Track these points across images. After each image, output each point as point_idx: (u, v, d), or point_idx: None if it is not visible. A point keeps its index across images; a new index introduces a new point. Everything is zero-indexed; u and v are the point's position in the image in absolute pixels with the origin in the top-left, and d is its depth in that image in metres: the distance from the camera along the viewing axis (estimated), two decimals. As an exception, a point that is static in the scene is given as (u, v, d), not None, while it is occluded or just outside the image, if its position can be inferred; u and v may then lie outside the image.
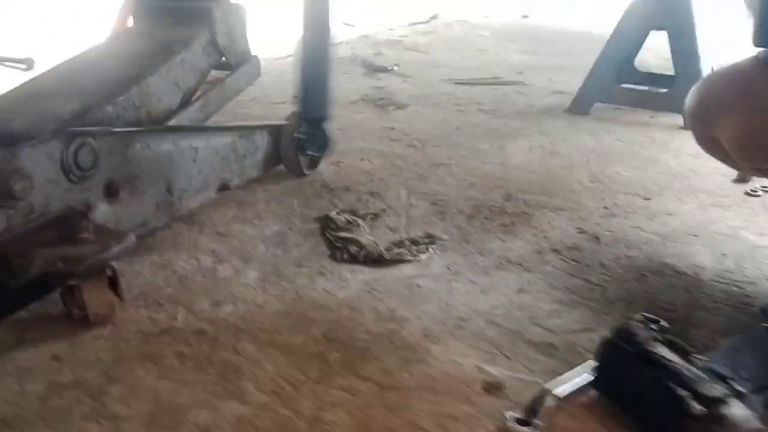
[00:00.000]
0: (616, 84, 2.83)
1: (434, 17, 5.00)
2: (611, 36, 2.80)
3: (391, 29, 4.53)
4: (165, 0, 1.76)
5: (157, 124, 1.59)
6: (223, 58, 1.83)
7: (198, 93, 1.76)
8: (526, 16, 4.87)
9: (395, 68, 3.50)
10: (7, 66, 3.18)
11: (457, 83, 3.29)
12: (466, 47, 4.16)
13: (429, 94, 3.11)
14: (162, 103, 1.60)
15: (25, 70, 3.13)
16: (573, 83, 2.99)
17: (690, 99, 1.40)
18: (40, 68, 3.14)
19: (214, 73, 1.88)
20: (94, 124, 1.39)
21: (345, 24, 4.38)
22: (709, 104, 1.36)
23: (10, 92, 1.45)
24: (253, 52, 1.96)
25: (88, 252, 1.23)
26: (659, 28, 2.72)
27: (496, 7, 5.12)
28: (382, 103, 2.94)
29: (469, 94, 3.12)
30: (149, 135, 1.52)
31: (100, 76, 1.54)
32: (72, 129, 1.32)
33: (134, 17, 1.82)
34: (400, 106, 2.90)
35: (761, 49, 1.27)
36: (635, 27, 2.75)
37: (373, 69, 3.46)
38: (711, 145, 1.40)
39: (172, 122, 1.64)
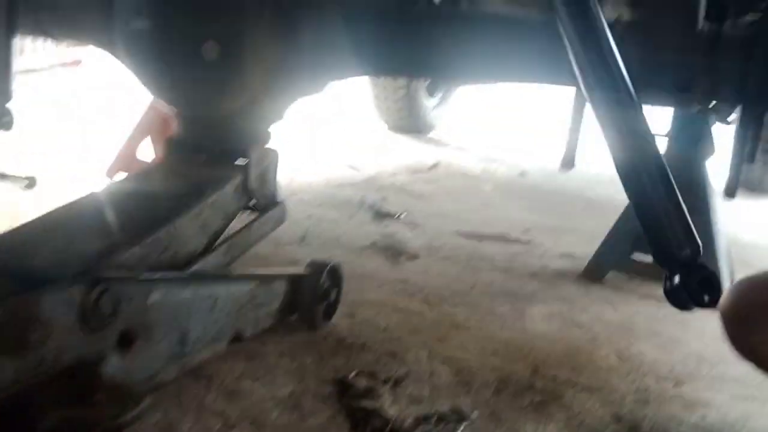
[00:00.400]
0: (631, 253, 2.78)
1: (435, 165, 5.04)
2: (628, 206, 2.78)
3: (395, 174, 4.54)
4: (202, 139, 1.71)
5: (180, 268, 1.48)
6: (252, 201, 1.76)
7: (223, 236, 1.67)
8: (523, 174, 4.94)
9: (402, 216, 3.45)
10: (8, 182, 3.09)
11: (466, 237, 3.24)
12: (469, 199, 4.15)
13: (438, 245, 3.04)
14: (188, 247, 1.51)
15: (25, 188, 3.04)
16: (580, 246, 2.97)
17: (726, 301, 1.33)
18: (42, 186, 3.09)
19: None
20: (118, 266, 1.29)
21: (350, 167, 4.39)
22: (750, 308, 1.30)
23: (29, 223, 1.34)
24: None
25: (102, 416, 1.09)
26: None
27: (494, 157, 5.22)
28: (393, 252, 2.86)
29: (479, 249, 3.06)
30: (173, 282, 1.41)
31: (127, 213, 1.45)
32: (96, 273, 1.21)
33: (166, 152, 1.76)
34: (411, 257, 2.83)
35: None
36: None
37: (381, 215, 3.42)
38: (747, 349, 1.34)
39: (195, 266, 1.53)
